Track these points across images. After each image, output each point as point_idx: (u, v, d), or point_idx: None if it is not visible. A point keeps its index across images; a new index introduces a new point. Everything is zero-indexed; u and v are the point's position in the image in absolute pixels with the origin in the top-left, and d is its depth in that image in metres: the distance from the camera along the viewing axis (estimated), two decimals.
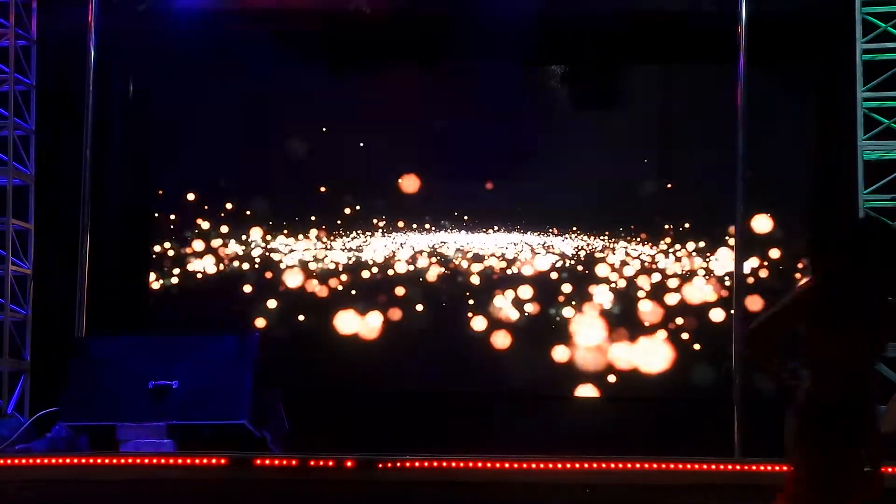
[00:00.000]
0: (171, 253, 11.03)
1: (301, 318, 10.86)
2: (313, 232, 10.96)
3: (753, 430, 8.97)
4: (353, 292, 10.87)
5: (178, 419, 8.14)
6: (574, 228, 10.76)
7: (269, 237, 10.98)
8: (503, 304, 10.78)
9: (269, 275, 10.95)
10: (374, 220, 10.93)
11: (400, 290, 10.85)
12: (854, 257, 4.74)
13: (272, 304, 10.90)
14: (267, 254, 10.98)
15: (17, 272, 9.99)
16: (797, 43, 10.26)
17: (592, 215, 10.76)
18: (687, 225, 10.67)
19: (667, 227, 10.69)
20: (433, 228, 10.90)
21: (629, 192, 10.76)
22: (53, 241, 10.23)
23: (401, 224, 10.92)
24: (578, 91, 10.83)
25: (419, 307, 10.83)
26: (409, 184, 10.93)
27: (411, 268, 10.88)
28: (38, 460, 6.41)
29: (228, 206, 11.02)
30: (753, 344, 4.83)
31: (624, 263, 10.69)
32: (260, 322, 10.85)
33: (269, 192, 11.03)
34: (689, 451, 6.83)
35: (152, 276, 11.00)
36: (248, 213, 11.01)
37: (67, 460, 6.38)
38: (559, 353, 10.67)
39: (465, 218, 10.87)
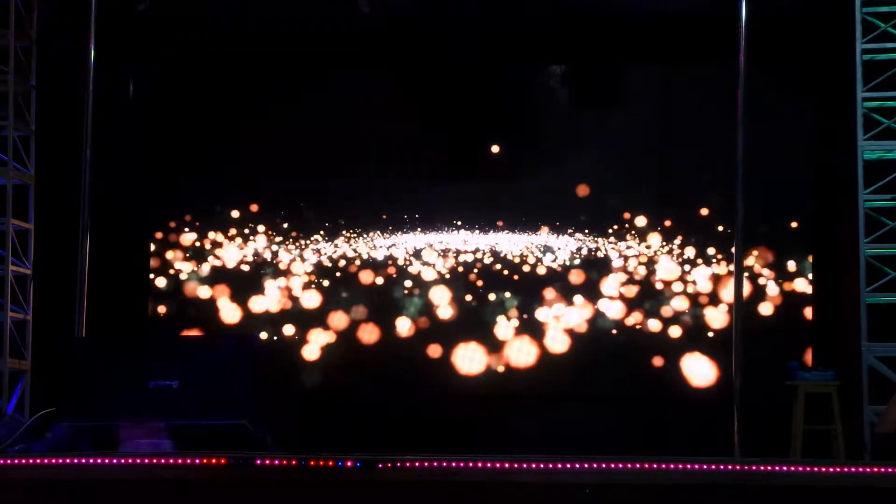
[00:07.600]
0: (170, 253, 11.03)
1: (299, 318, 10.88)
2: (314, 235, 10.96)
3: (753, 430, 8.98)
4: (352, 294, 10.89)
5: (178, 419, 8.14)
6: (573, 228, 10.77)
7: (269, 239, 10.98)
8: (503, 304, 10.78)
9: (269, 277, 10.96)
10: (374, 223, 10.94)
11: (398, 291, 10.87)
12: None
13: (272, 305, 10.91)
14: (267, 256, 10.98)
15: (17, 272, 9.99)
16: (797, 43, 10.28)
17: (591, 215, 10.77)
18: (686, 224, 10.68)
19: (666, 226, 10.70)
20: (432, 230, 10.90)
21: (629, 192, 10.77)
22: (53, 241, 10.23)
23: (399, 227, 10.92)
24: (578, 91, 10.84)
25: (418, 307, 10.84)
26: (409, 184, 10.95)
27: (409, 268, 10.88)
28: (38, 460, 6.39)
29: (229, 206, 11.04)
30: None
31: (623, 263, 10.70)
32: (259, 323, 10.87)
33: (269, 193, 11.03)
34: (689, 451, 6.81)
35: (152, 276, 11.01)
36: (249, 214, 11.03)
37: (67, 460, 6.37)
38: (559, 354, 10.68)
39: (463, 219, 10.87)
